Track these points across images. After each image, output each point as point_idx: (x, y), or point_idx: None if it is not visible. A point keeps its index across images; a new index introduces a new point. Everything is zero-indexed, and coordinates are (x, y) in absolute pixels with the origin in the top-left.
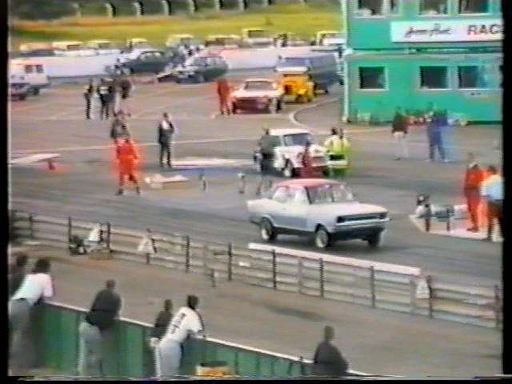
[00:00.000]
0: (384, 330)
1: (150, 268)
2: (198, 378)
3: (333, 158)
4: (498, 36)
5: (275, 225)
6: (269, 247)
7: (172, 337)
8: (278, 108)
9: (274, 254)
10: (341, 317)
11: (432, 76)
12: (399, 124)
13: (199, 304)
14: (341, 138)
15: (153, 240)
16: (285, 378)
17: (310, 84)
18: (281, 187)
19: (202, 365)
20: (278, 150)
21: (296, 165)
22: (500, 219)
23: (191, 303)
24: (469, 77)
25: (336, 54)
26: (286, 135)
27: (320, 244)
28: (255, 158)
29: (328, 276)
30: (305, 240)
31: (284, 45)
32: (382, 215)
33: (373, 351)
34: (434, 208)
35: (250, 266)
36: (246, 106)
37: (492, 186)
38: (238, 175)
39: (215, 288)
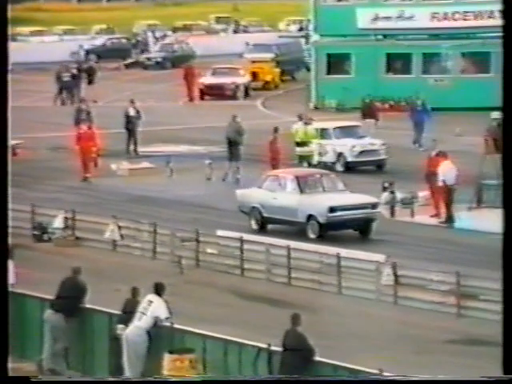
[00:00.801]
0: (350, 317)
1: (117, 255)
2: (197, 378)
3: (298, 144)
4: (460, 23)
5: (265, 215)
6: (236, 234)
7: (139, 324)
8: (246, 94)
9: (241, 240)
10: (308, 304)
11: (397, 62)
12: (370, 111)
13: (167, 291)
14: (305, 124)
15: (119, 227)
16: (285, 378)
17: (277, 70)
18: (271, 176)
19: (170, 352)
20: (327, 144)
21: (350, 159)
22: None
23: (158, 290)
24: (432, 63)
25: (303, 41)
26: (336, 128)
27: (311, 235)
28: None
29: (295, 263)
30: (295, 230)
31: (236, 32)
32: (374, 205)
33: (339, 338)
34: (399, 195)
35: (217, 252)
36: (214, 92)
37: (446, 171)
38: (206, 162)
39: (183, 275)
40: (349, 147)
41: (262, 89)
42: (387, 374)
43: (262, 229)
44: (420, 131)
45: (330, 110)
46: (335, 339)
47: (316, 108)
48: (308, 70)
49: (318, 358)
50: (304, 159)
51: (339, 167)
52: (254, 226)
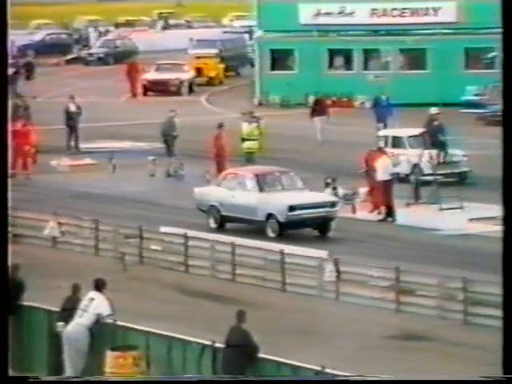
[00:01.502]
0: (294, 313)
1: (58, 252)
2: (198, 378)
3: (244, 140)
4: (398, 19)
5: (223, 213)
6: (180, 230)
7: (80, 321)
8: (190, 90)
9: (186, 237)
10: (252, 300)
11: (339, 58)
12: (320, 108)
13: (109, 287)
14: (251, 121)
15: (59, 223)
16: (285, 379)
17: (222, 66)
18: (230, 174)
19: (112, 349)
20: (400, 154)
21: (427, 170)
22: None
23: (99, 286)
24: (372, 59)
25: (247, 36)
26: (410, 136)
27: (270, 233)
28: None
29: (240, 259)
30: (255, 229)
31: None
32: (333, 204)
33: (283, 334)
34: (341, 191)
35: (161, 249)
36: (158, 88)
37: (384, 167)
38: (149, 158)
39: (126, 271)
40: (426, 158)
41: (207, 84)
42: (386, 376)
43: (221, 227)
44: (384, 127)
45: (275, 105)
46: (278, 335)
47: (260, 104)
48: (252, 65)
49: (261, 355)
50: (249, 155)
51: (414, 179)
52: (213, 224)
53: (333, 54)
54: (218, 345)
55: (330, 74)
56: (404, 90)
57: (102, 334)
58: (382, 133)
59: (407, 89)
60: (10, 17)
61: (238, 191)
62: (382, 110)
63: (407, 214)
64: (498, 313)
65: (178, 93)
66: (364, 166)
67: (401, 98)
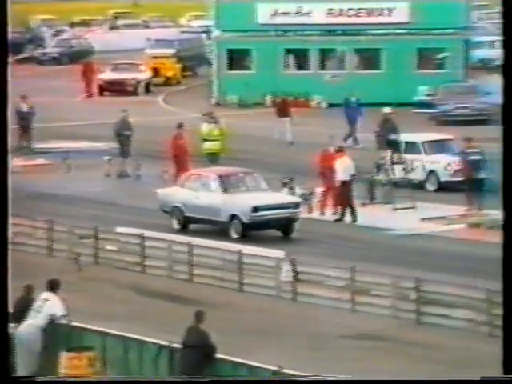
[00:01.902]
0: (251, 313)
1: (11, 253)
2: (197, 379)
3: (204, 141)
4: (353, 19)
5: (187, 214)
6: (136, 230)
7: (33, 322)
8: (147, 90)
9: (142, 237)
10: (209, 300)
11: (296, 58)
12: (284, 109)
13: (64, 288)
14: (210, 122)
15: (12, 224)
16: (285, 379)
17: (179, 66)
18: (193, 175)
19: (67, 350)
20: (415, 159)
21: (443, 178)
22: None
23: (53, 287)
24: (329, 59)
25: (205, 36)
26: (426, 141)
27: (234, 234)
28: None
29: (197, 260)
30: (218, 230)
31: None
32: (296, 205)
33: (241, 334)
34: (298, 191)
35: (117, 249)
36: (114, 88)
37: (344, 167)
38: (105, 158)
39: (81, 272)
40: (443, 165)
41: (164, 85)
42: (383, 379)
43: (184, 228)
44: (353, 128)
45: (232, 105)
46: (235, 336)
47: (218, 104)
48: (210, 65)
49: (218, 355)
50: (211, 156)
51: (430, 186)
52: (176, 225)
53: (290, 53)
54: (175, 345)
55: (287, 73)
56: (359, 89)
57: (57, 335)
58: (408, 138)
59: (362, 88)
60: None
61: (201, 192)
62: (351, 111)
63: (363, 214)
64: (450, 312)
65: (134, 93)
66: (320, 167)
67: (356, 97)
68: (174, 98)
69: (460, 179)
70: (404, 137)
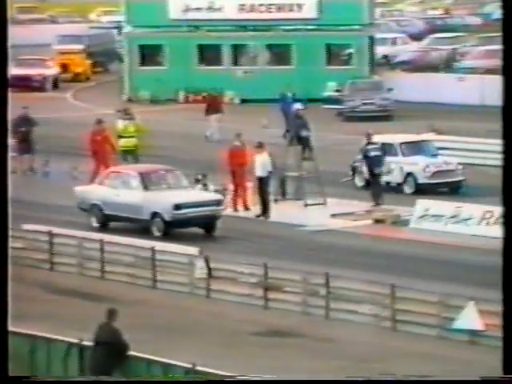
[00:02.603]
0: (164, 311)
1: None
2: (197, 379)
3: (120, 138)
4: (265, 15)
5: (106, 212)
6: (45, 228)
7: None
8: (55, 86)
9: (51, 234)
10: (122, 297)
11: (209, 54)
12: (214, 106)
13: None
14: (129, 119)
15: None
16: (285, 379)
17: (89, 62)
18: (113, 173)
19: None
20: (392, 161)
21: (421, 180)
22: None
23: None
24: (241, 55)
25: (115, 32)
26: (403, 143)
27: (156, 232)
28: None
29: (109, 256)
30: (140, 228)
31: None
32: (219, 203)
33: (153, 332)
34: (211, 187)
35: (24, 247)
36: (20, 84)
37: (262, 164)
38: (10, 155)
39: None
40: (421, 167)
41: (73, 80)
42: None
43: (104, 226)
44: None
45: (144, 102)
46: (149, 333)
47: (129, 100)
48: (121, 61)
49: (131, 353)
50: (127, 153)
51: (407, 189)
52: (94, 223)
53: (203, 49)
54: (85, 343)
55: (200, 69)
56: (271, 85)
57: None
58: (374, 139)
59: (274, 84)
60: None
61: (121, 190)
62: (287, 108)
63: (275, 210)
64: (358, 308)
65: (41, 88)
66: (229, 163)
67: (268, 93)
68: (83, 94)
69: (438, 181)
70: (381, 138)
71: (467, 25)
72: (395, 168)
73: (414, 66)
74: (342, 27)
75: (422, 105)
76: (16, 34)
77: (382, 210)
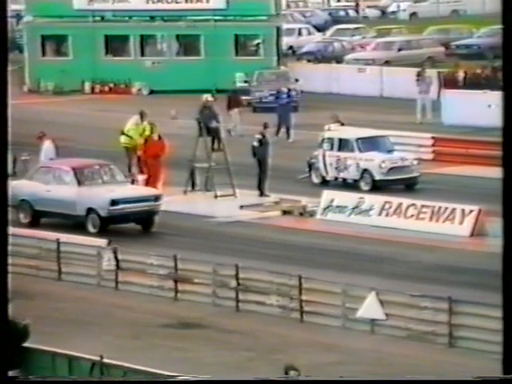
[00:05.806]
0: (71, 303)
1: None
2: (197, 379)
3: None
4: (172, 5)
5: (37, 208)
6: None
7: None
8: None
9: None
10: (25, 290)
11: (116, 45)
12: (235, 101)
13: None
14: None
15: None
16: (285, 378)
17: None
18: (43, 168)
19: None
20: (348, 157)
21: (378, 177)
22: None
23: None
24: (150, 46)
25: (14, 21)
26: (359, 138)
27: (91, 229)
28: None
29: (13, 249)
30: (74, 224)
31: None
32: (157, 198)
33: (59, 324)
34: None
35: None
36: None
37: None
38: None
39: None
40: (377, 163)
41: None
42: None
43: (35, 223)
44: (284, 121)
45: (47, 93)
46: (54, 325)
47: (30, 91)
48: (21, 51)
49: (36, 346)
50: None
51: (364, 186)
52: (23, 219)
53: (110, 40)
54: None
55: (107, 60)
56: (180, 76)
57: None
58: (327, 134)
59: (183, 75)
60: None
61: (53, 185)
62: (282, 108)
63: (184, 202)
64: (267, 299)
65: None
66: (143, 153)
67: (177, 84)
68: None
69: (394, 178)
70: (337, 133)
71: (366, 17)
72: (352, 164)
73: (318, 56)
74: (249, 18)
75: (325, 95)
76: None
77: (289, 202)
